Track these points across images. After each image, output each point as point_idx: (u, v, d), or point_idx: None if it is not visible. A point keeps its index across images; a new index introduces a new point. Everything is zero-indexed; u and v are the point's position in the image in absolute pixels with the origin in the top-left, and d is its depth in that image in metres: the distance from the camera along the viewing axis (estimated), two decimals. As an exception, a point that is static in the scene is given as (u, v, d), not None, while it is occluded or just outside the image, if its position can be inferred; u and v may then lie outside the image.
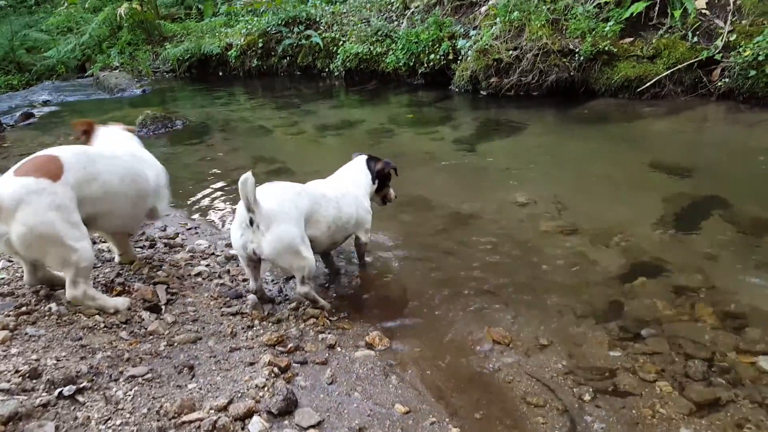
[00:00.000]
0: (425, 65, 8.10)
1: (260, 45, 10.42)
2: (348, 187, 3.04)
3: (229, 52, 10.88)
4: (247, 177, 2.27)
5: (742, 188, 3.95)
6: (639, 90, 6.04)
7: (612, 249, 3.27)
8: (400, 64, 8.32)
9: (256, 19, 10.97)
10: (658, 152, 4.73)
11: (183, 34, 12.42)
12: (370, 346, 2.46)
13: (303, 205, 2.59)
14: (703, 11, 6.01)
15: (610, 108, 6.06)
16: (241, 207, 2.45)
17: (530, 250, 3.36)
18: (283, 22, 10.09)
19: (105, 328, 2.45)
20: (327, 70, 9.76)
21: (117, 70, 12.17)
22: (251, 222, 2.42)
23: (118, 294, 2.79)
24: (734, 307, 2.63)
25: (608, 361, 2.31)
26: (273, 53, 10.35)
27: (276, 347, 2.38)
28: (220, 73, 11.49)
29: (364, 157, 3.29)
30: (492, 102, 7.01)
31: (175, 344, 2.38)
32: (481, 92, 7.29)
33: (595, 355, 2.36)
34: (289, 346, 2.39)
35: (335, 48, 9.39)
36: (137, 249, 3.51)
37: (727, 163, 4.47)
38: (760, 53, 5.18)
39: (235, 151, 6.00)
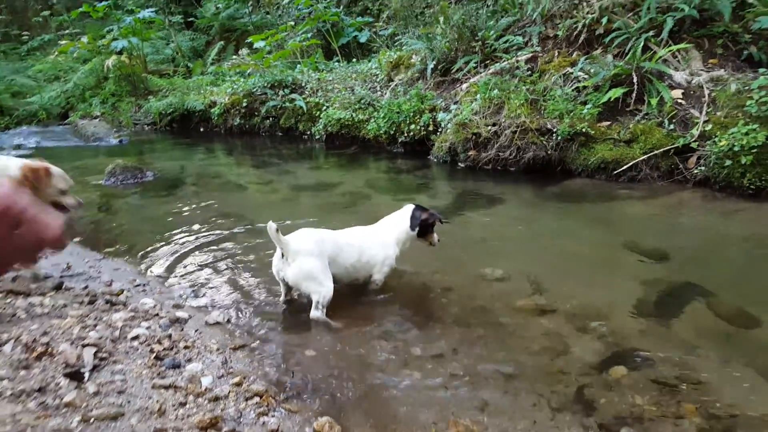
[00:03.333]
0: (405, 134, 8.15)
1: (244, 104, 10.46)
2: (379, 235, 3.57)
3: (213, 110, 10.89)
4: (270, 225, 2.99)
5: (722, 277, 3.84)
6: (616, 172, 6.07)
7: (589, 334, 3.06)
8: (381, 131, 8.36)
9: (242, 79, 11.10)
10: (634, 235, 4.65)
11: (168, 89, 12.47)
12: (318, 434, 2.16)
13: (326, 248, 3.22)
14: (679, 100, 6.18)
15: (587, 188, 6.06)
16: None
17: (504, 331, 3.14)
18: (269, 85, 10.19)
19: (12, 396, 2.11)
20: (309, 132, 9.77)
21: (97, 119, 12.06)
22: (283, 255, 3.15)
23: (39, 356, 2.46)
24: (720, 407, 2.41)
25: (585, 465, 2.04)
26: (256, 113, 10.37)
27: (208, 431, 2.06)
28: (202, 129, 11.45)
29: (411, 207, 3.68)
30: (469, 174, 6.99)
31: (91, 420, 2.05)
32: (459, 164, 7.29)
33: (570, 457, 2.09)
34: (224, 430, 2.07)
35: (318, 112, 9.45)
36: (75, 304, 3.19)
37: (705, 250, 4.39)
38: (735, 144, 5.27)
39: (204, 206, 5.77)
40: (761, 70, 5.81)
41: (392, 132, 8.31)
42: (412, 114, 8.08)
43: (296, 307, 3.40)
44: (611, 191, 5.82)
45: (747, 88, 5.74)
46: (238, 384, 2.45)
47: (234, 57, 13.32)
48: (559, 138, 6.40)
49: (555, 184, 6.28)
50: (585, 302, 3.42)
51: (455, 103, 7.90)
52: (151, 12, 13.24)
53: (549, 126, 6.56)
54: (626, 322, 3.19)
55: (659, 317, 3.24)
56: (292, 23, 12.55)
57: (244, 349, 2.86)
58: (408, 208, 3.69)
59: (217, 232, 4.86)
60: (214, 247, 4.47)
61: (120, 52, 12.80)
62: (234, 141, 10.43)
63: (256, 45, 11.34)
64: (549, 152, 6.54)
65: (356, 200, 6.00)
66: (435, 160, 7.68)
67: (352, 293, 3.53)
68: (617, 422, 2.29)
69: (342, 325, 3.18)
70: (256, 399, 2.35)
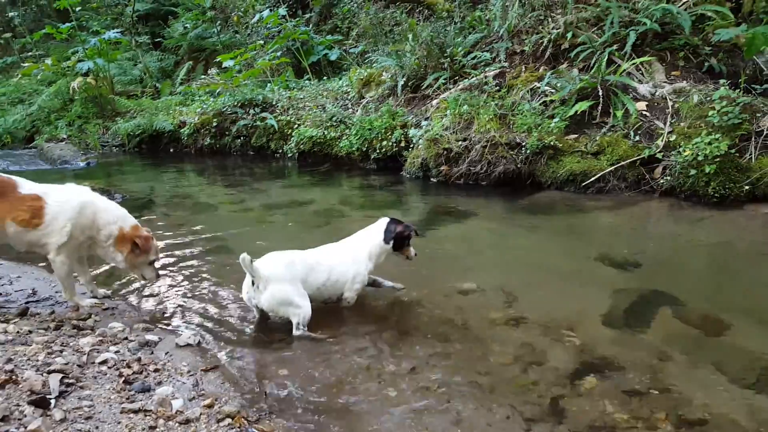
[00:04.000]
0: (378, 151, 8.19)
1: (214, 124, 10.39)
2: (351, 251, 3.51)
3: (182, 130, 10.77)
4: (243, 257, 2.96)
5: (690, 284, 3.93)
6: (584, 184, 6.20)
7: (561, 344, 3.08)
8: (354, 148, 8.38)
9: (212, 99, 11.02)
10: (604, 246, 4.74)
11: (136, 110, 12.30)
12: (290, 456, 2.12)
13: (297, 270, 3.21)
14: (644, 112, 6.37)
15: (557, 200, 6.16)
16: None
17: (477, 343, 3.14)
18: (240, 104, 10.15)
19: (-32, 430, 2.02)
20: (281, 151, 9.73)
21: (63, 142, 11.79)
22: (253, 283, 3.12)
23: (2, 384, 2.36)
24: (689, 412, 2.45)
25: (560, 476, 2.04)
26: (227, 133, 10.30)
27: (177, 456, 2.00)
28: (171, 150, 11.29)
29: (386, 220, 3.64)
30: (442, 189, 7.04)
31: (54, 451, 1.96)
32: (432, 179, 7.34)
33: (545, 468, 2.09)
34: (193, 455, 2.01)
35: (290, 130, 9.44)
36: (40, 330, 3.09)
37: (673, 258, 4.50)
38: (699, 154, 5.44)
39: (174, 226, 5.67)
40: (721, 81, 6.05)
41: (365, 149, 8.34)
42: (383, 130, 8.14)
43: (270, 326, 3.36)
44: (580, 203, 5.94)
45: (709, 98, 5.96)
46: (210, 406, 2.39)
47: (203, 77, 13.24)
48: (528, 151, 6.51)
49: (525, 197, 6.38)
50: (557, 313, 3.45)
51: (426, 119, 7.99)
52: (117, 33, 13.10)
53: (518, 140, 6.68)
54: (597, 331, 3.23)
55: (629, 326, 3.29)
56: (262, 42, 12.56)
57: (216, 370, 2.80)
58: (383, 221, 3.65)
59: (188, 252, 4.78)
60: (186, 268, 4.38)
61: (86, 74, 12.60)
62: (205, 161, 10.33)
63: (225, 64, 11.31)
64: (519, 166, 6.65)
65: (330, 218, 5.98)
66: (408, 175, 7.73)
67: (325, 310, 3.49)
68: (589, 431, 2.30)
69: (321, 339, 3.15)
70: (228, 420, 2.29)
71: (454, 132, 7.23)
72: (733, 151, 5.42)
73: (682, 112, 6.08)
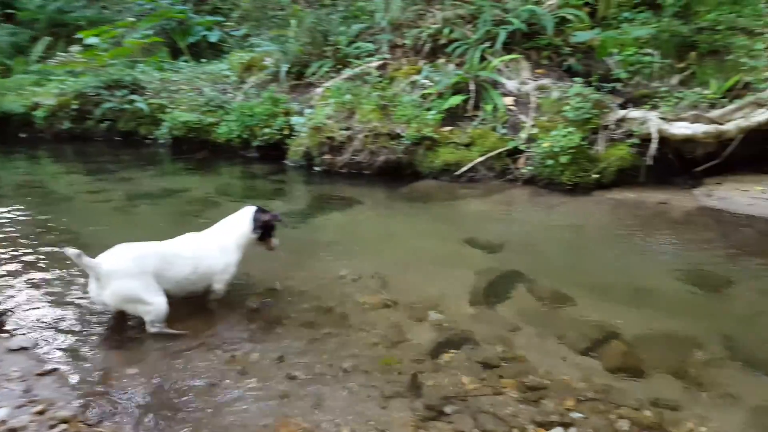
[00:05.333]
0: (260, 138, 7.92)
1: (75, 107, 9.36)
2: (217, 241, 3.35)
3: (36, 113, 9.62)
4: (68, 251, 2.72)
5: (542, 263, 4.28)
6: (457, 173, 6.49)
7: (426, 323, 3.21)
8: (234, 135, 8.04)
9: (72, 79, 9.97)
10: (473, 230, 5.00)
11: (-19, 91, 10.78)
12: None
13: (148, 263, 2.97)
14: (511, 107, 6.81)
15: (433, 189, 6.40)
16: None
17: (347, 327, 3.17)
18: (105, 85, 9.28)
19: None
20: (152, 137, 9.04)
21: None
22: (97, 279, 2.87)
23: None
24: (533, 378, 2.67)
25: (413, 446, 2.12)
26: (90, 116, 9.37)
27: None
28: (24, 136, 10.03)
29: (252, 209, 3.51)
30: (326, 178, 7.01)
31: None
32: (316, 168, 7.27)
33: (399, 441, 2.15)
34: (16, 464, 1.80)
35: (162, 115, 8.81)
36: None
37: (530, 240, 4.86)
38: (555, 145, 5.93)
39: (20, 220, 5.05)
40: (576, 79, 6.62)
41: (245, 136, 8.03)
42: (265, 117, 7.88)
43: (125, 324, 3.10)
44: (454, 191, 6.22)
45: (566, 95, 6.49)
46: (41, 412, 2.16)
47: (62, 54, 11.95)
48: (408, 142, 6.68)
49: (406, 185, 6.54)
50: (425, 294, 3.59)
51: (310, 107, 7.89)
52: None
53: (398, 131, 6.81)
54: (459, 309, 3.40)
55: (488, 303, 3.51)
56: (133, 19, 11.62)
57: (53, 374, 2.54)
58: (248, 210, 3.53)
59: (33, 248, 4.25)
60: (29, 266, 3.91)
61: None
62: (63, 147, 9.29)
63: (87, 41, 10.28)
64: (399, 156, 6.80)
65: (205, 208, 5.68)
66: (291, 164, 7.58)
67: (189, 303, 3.31)
68: (443, 402, 2.42)
69: (180, 335, 2.98)
70: (63, 426, 2.10)
71: (337, 121, 7.20)
72: (584, 143, 5.98)
73: (543, 107, 6.59)
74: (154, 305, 2.92)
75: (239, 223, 3.48)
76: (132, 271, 2.89)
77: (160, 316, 2.95)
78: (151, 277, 2.96)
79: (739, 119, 5.69)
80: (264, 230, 3.52)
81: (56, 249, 4.22)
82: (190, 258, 3.19)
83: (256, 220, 3.47)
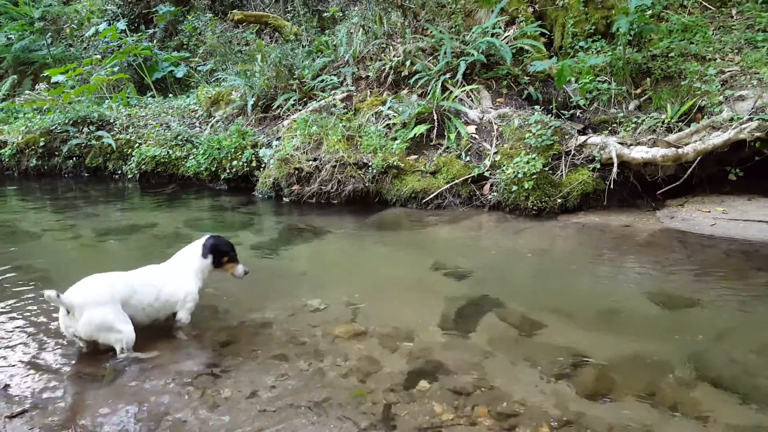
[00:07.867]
0: (228, 171, 7.95)
1: (42, 143, 9.29)
2: (176, 270, 3.51)
3: (2, 150, 9.48)
4: (48, 294, 2.82)
5: (511, 288, 4.37)
6: (424, 201, 6.63)
7: (398, 353, 3.25)
8: (202, 168, 8.05)
9: (39, 117, 9.88)
10: (442, 256, 5.09)
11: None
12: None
13: (117, 291, 3.11)
14: (474, 135, 7.02)
15: (401, 217, 6.51)
16: None
17: (319, 359, 3.18)
18: (71, 122, 9.21)
19: None
20: (120, 172, 8.99)
21: None
22: (68, 311, 2.97)
23: None
24: (506, 405, 2.72)
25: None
26: (57, 153, 9.27)
27: None
28: (-12, 173, 9.86)
29: (205, 236, 3.65)
30: (295, 208, 7.05)
31: None
32: (284, 199, 7.32)
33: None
34: None
35: (130, 150, 8.77)
36: None
37: (499, 265, 4.96)
38: (519, 171, 6.12)
39: (-20, 260, 4.92)
40: (536, 107, 6.88)
41: (214, 168, 8.05)
42: (233, 150, 7.94)
43: (94, 359, 3.07)
44: (422, 218, 6.33)
45: (527, 123, 6.73)
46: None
47: (28, 92, 11.83)
48: (375, 171, 6.80)
49: (374, 214, 6.63)
50: (396, 323, 3.62)
51: (277, 139, 7.97)
52: None
53: (365, 160, 6.94)
54: (431, 337, 3.45)
55: (459, 330, 3.57)
56: (99, 57, 11.58)
57: (23, 416, 2.50)
58: (202, 238, 3.67)
59: (-2, 288, 4.18)
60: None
61: None
62: (30, 184, 9.19)
63: (54, 79, 10.22)
64: (367, 185, 6.90)
65: (173, 241, 5.63)
66: (260, 195, 7.61)
67: (158, 336, 3.30)
68: (417, 432, 2.45)
69: (149, 358, 3.08)
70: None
71: (304, 152, 7.30)
72: (547, 168, 6.19)
73: (505, 134, 6.82)
74: (124, 333, 3.07)
75: (192, 251, 3.63)
76: (104, 299, 3.03)
77: (130, 343, 3.09)
78: (120, 305, 3.11)
79: (696, 142, 5.86)
80: (214, 255, 3.61)
81: (24, 287, 4.16)
82: (153, 286, 3.36)
83: (204, 246, 3.61)
